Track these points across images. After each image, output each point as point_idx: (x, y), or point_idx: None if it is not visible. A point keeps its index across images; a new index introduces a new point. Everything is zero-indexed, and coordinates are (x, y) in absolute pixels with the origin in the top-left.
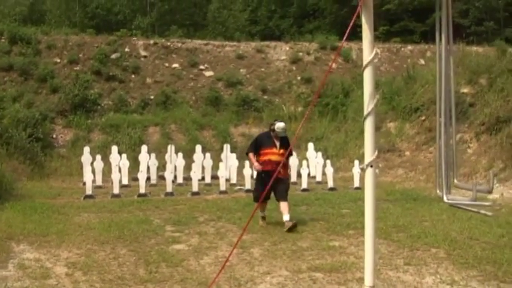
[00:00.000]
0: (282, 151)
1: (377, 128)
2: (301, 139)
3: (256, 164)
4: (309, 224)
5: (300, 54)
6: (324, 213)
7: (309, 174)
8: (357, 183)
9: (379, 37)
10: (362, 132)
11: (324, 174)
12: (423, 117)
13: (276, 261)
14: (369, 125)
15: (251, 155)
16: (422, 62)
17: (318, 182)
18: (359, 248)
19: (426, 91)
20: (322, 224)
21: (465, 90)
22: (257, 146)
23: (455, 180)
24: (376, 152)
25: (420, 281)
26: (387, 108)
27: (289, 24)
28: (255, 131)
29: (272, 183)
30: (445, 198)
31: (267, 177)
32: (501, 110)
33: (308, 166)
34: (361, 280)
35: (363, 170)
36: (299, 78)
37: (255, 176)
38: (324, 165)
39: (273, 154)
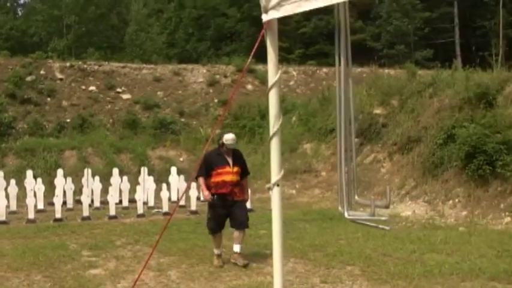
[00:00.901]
0: (236, 169)
1: (293, 149)
2: None
3: (206, 192)
4: (225, 245)
5: (217, 76)
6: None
7: None
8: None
9: (295, 60)
10: None
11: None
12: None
13: (194, 283)
14: (274, 145)
15: (201, 179)
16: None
17: None
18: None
19: (342, 112)
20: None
21: (378, 111)
22: (207, 166)
23: (356, 197)
24: (282, 172)
25: None
26: (303, 129)
27: (206, 47)
28: (173, 153)
29: (228, 208)
30: (346, 215)
31: (221, 202)
32: (412, 130)
33: None
34: None
35: (269, 189)
36: (216, 100)
37: (201, 201)
38: None
39: (226, 174)
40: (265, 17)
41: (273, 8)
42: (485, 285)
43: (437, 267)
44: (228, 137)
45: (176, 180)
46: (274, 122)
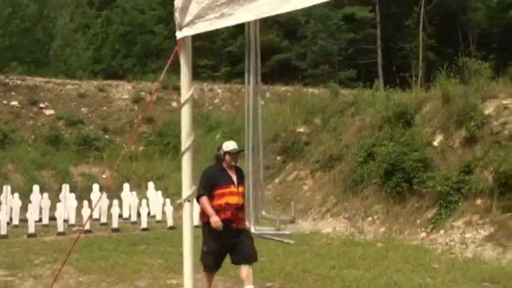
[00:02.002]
0: (241, 189)
1: None
2: (142, 178)
3: (216, 218)
4: (147, 263)
5: (142, 93)
6: (163, 252)
7: (148, 214)
8: (196, 222)
9: (221, 78)
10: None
11: (163, 213)
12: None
13: None
14: (186, 161)
15: (205, 200)
16: (262, 102)
17: (158, 221)
18: (196, 285)
19: (265, 130)
20: (161, 263)
21: (301, 130)
22: (210, 184)
23: (263, 212)
24: (194, 187)
25: None
26: None
27: (132, 64)
28: (96, 170)
29: (231, 239)
30: (252, 230)
31: (224, 231)
32: (334, 148)
33: (148, 205)
34: None
35: (180, 204)
36: (141, 117)
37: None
38: (164, 204)
39: (231, 195)
40: (179, 34)
41: (187, 25)
42: None
43: (355, 282)
44: (229, 143)
45: (97, 197)
46: (186, 138)
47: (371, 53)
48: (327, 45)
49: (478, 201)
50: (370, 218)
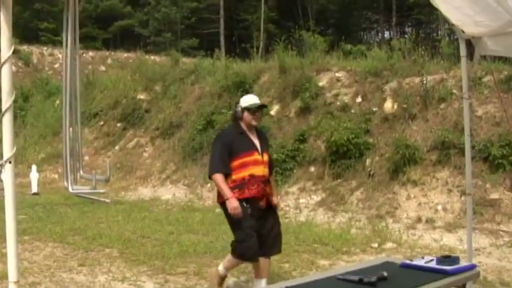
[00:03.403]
0: (266, 157)
1: (56, 133)
2: None
3: (235, 203)
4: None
5: None
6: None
7: None
8: (34, 189)
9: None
10: (41, 137)
11: (1, 180)
12: (102, 123)
13: None
14: (7, 122)
15: (220, 178)
16: (103, 68)
17: None
18: (33, 253)
19: (105, 97)
20: None
21: (141, 97)
22: (227, 154)
23: (81, 172)
24: (15, 149)
25: (93, 280)
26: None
27: None
28: None
29: (258, 220)
30: (70, 189)
31: (255, 211)
32: (174, 116)
33: None
34: (33, 284)
35: (1, 166)
36: None
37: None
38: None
39: (256, 164)
40: None
41: None
42: None
43: (193, 246)
44: (249, 97)
45: None
46: (6, 98)
47: (214, 23)
48: (170, 13)
49: (312, 169)
50: (209, 185)
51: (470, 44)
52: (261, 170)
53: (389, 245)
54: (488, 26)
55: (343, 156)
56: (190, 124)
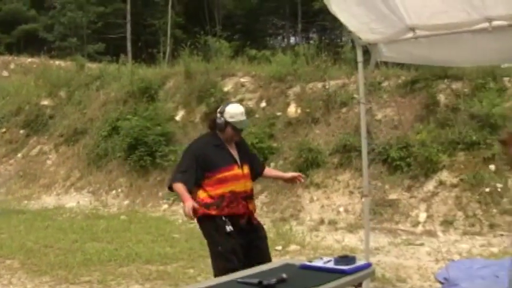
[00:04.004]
0: (246, 169)
1: None
2: None
3: (189, 202)
4: None
5: None
6: None
7: None
8: None
9: None
10: None
11: None
12: (4, 130)
13: None
14: None
15: (179, 186)
16: (5, 73)
17: None
18: None
19: (7, 103)
20: None
21: (45, 103)
22: (199, 167)
23: None
24: None
25: None
26: None
27: None
28: None
29: (241, 239)
30: None
31: (236, 232)
32: (78, 122)
33: None
34: None
35: None
36: None
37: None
38: None
39: (236, 180)
40: None
41: None
42: (140, 268)
43: (97, 254)
44: (237, 110)
45: None
46: None
47: (121, 28)
48: (76, 18)
49: None
50: (114, 192)
51: (367, 50)
52: (242, 186)
53: (293, 247)
54: (383, 33)
55: None
56: (95, 130)
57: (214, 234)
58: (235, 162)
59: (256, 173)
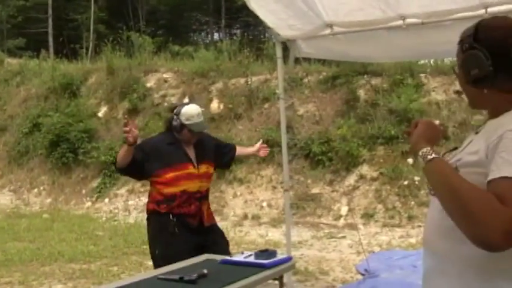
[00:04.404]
0: (203, 169)
1: None
2: None
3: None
4: None
5: None
6: None
7: None
8: None
9: None
10: None
11: None
12: None
13: None
14: None
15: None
16: None
17: None
18: None
19: None
20: None
21: None
22: (151, 161)
23: None
24: None
25: None
26: None
27: None
28: None
29: (192, 243)
30: None
31: (184, 233)
32: None
33: None
34: None
35: None
36: None
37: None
38: None
39: (189, 179)
40: None
41: None
42: (63, 267)
43: (18, 254)
44: (192, 112)
45: None
46: None
47: (42, 22)
48: None
49: None
50: (36, 190)
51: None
52: (196, 186)
53: None
54: (301, 29)
55: None
56: (16, 127)
57: (157, 235)
58: (190, 161)
59: (226, 163)
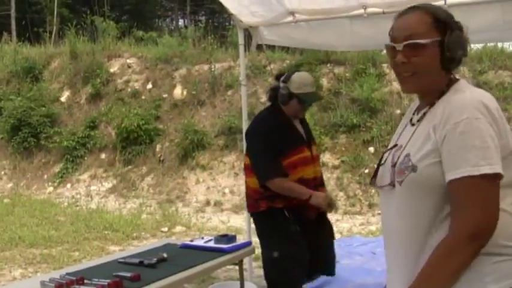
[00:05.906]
0: (314, 150)
1: None
2: None
3: (314, 193)
4: None
5: None
6: None
7: None
8: None
9: None
10: None
11: None
12: None
13: None
14: None
15: (281, 181)
16: None
17: None
18: None
19: None
20: None
21: None
22: (277, 151)
23: None
24: None
25: None
26: None
27: None
28: None
29: (310, 237)
30: None
31: (303, 225)
32: None
33: None
34: None
35: None
36: None
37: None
38: None
39: (305, 164)
40: None
41: None
42: (24, 252)
43: None
44: (305, 80)
45: None
46: None
47: (4, 5)
48: None
49: (103, 156)
50: None
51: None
52: (311, 171)
53: (178, 228)
54: (263, 16)
55: (134, 143)
56: None
57: (273, 234)
58: (304, 142)
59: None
